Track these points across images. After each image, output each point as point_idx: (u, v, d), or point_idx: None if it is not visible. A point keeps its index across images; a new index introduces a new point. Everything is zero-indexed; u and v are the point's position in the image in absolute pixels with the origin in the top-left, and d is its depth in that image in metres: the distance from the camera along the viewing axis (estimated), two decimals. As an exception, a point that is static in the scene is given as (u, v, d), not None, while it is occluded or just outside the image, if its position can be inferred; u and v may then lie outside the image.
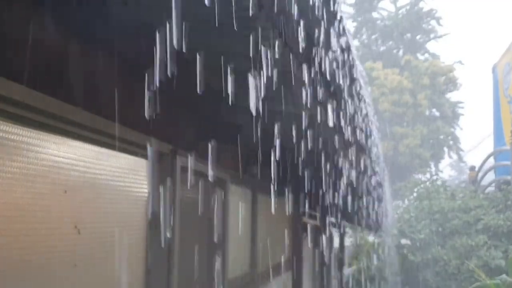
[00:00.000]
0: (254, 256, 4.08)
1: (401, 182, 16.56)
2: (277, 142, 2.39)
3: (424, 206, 12.48)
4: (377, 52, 29.74)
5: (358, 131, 3.11)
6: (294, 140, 2.53)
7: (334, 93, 2.32)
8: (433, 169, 26.33)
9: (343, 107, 2.54)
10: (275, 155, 2.34)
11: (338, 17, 2.08)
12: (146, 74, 1.80)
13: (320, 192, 3.64)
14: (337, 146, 2.97)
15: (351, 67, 2.45)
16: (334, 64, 2.13)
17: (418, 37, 30.46)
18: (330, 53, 2.04)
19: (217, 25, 1.56)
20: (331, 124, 2.39)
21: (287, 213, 5.19)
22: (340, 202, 4.29)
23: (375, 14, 30.74)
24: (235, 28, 1.54)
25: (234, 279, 3.47)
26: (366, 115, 3.22)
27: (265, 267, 4.40)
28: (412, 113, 25.51)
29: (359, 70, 2.76)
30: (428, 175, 15.28)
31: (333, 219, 8.08)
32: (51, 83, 1.54)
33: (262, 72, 1.93)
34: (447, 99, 27.44)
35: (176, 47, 1.77)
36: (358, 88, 2.73)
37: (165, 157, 2.35)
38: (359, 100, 2.97)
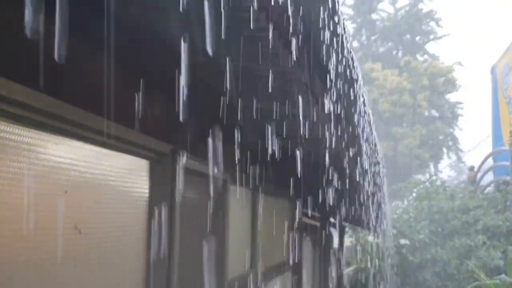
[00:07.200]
0: (254, 256, 4.08)
1: (401, 183, 16.57)
2: (277, 143, 2.39)
3: (423, 206, 12.48)
4: (377, 53, 29.78)
5: (358, 132, 3.11)
6: (294, 140, 2.53)
7: (337, 99, 2.32)
8: (432, 169, 26.35)
9: (342, 106, 2.54)
10: (275, 155, 2.34)
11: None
12: (147, 74, 1.81)
13: (320, 193, 3.65)
14: (337, 147, 2.97)
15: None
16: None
17: (417, 38, 30.50)
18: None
19: (217, 25, 1.56)
20: (332, 125, 2.40)
21: (287, 213, 5.19)
22: (340, 202, 4.30)
23: (374, 15, 30.77)
24: (235, 28, 1.54)
25: (234, 279, 3.47)
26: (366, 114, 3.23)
27: (265, 267, 4.40)
28: (412, 114, 25.53)
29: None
30: (427, 176, 15.26)
31: (332, 219, 8.08)
32: (51, 83, 1.54)
33: (261, 72, 1.93)
34: (446, 100, 27.46)
35: (176, 47, 1.76)
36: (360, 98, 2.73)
37: (165, 157, 2.35)
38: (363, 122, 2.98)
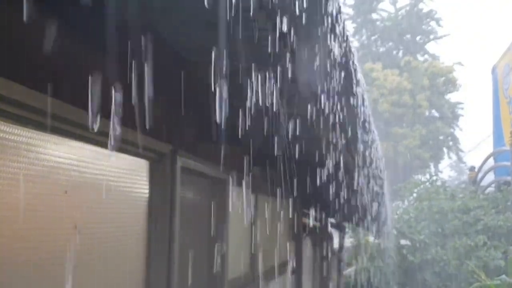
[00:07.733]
0: (254, 256, 4.08)
1: (401, 183, 16.55)
2: (277, 143, 2.39)
3: (423, 206, 12.46)
4: (377, 53, 29.76)
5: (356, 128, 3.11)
6: (294, 140, 2.53)
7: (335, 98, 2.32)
8: (432, 169, 26.33)
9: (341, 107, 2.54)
10: (275, 155, 2.34)
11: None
12: (146, 74, 1.80)
13: (320, 193, 3.64)
14: (336, 148, 2.97)
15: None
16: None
17: (417, 38, 30.49)
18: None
19: (217, 25, 1.56)
20: (329, 123, 2.40)
21: (287, 214, 5.19)
22: (340, 202, 4.30)
23: (374, 15, 30.77)
24: (235, 28, 1.54)
25: (234, 279, 3.47)
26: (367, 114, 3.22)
27: (265, 267, 4.40)
28: (412, 114, 25.52)
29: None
30: (427, 176, 15.25)
31: (333, 220, 8.08)
32: (51, 83, 1.54)
33: (261, 72, 1.93)
34: (446, 100, 27.45)
35: (174, 47, 1.77)
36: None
37: (165, 157, 2.35)
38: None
